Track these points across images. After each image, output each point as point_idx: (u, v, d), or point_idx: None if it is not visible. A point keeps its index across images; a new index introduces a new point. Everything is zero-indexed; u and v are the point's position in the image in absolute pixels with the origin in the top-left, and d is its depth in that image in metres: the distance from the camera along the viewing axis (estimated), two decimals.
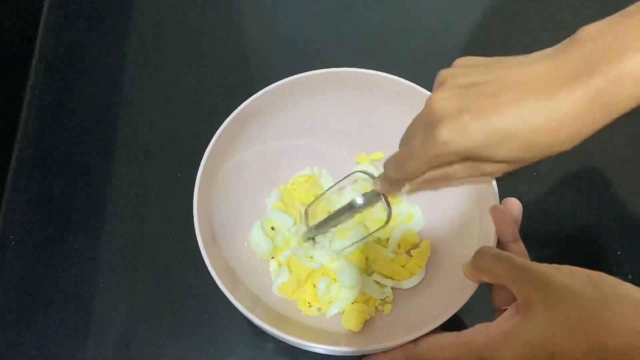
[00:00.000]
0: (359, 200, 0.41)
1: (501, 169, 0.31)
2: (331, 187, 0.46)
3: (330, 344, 0.35)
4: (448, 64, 0.33)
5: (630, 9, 0.28)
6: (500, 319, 0.32)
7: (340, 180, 0.45)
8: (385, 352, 0.37)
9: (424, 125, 0.31)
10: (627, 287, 0.30)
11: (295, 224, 0.46)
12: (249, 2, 0.61)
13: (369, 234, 0.45)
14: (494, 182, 0.39)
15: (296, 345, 0.37)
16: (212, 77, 0.57)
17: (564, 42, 0.29)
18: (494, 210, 0.38)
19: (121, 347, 0.45)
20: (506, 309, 0.33)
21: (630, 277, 0.47)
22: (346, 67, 0.43)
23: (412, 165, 0.32)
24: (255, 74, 0.57)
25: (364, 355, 0.38)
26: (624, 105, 0.27)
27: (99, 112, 0.55)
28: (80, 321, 0.46)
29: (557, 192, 0.51)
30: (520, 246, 0.37)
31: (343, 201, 0.47)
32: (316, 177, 0.49)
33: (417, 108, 0.41)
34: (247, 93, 0.42)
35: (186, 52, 0.58)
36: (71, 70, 0.57)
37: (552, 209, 0.50)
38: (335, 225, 0.45)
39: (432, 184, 0.35)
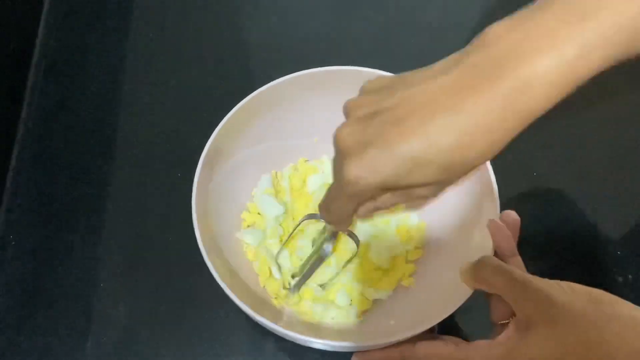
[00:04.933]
0: (328, 249, 0.41)
1: (431, 191, 0.30)
2: (287, 238, 0.45)
3: (327, 339, 0.35)
4: None
5: (540, 3, 0.25)
6: (502, 337, 0.32)
7: (293, 231, 0.45)
8: (381, 349, 0.36)
9: (337, 164, 0.29)
10: (627, 307, 0.30)
11: (285, 211, 0.46)
12: (249, 2, 0.61)
13: (345, 263, 0.45)
14: (496, 190, 0.38)
15: (291, 339, 0.36)
16: (212, 77, 0.57)
17: (470, 44, 0.27)
18: (491, 225, 0.38)
19: (121, 347, 0.45)
20: (505, 323, 0.33)
21: (630, 277, 0.47)
22: (346, 66, 0.43)
23: (337, 207, 0.31)
24: (255, 73, 0.57)
25: (356, 352, 0.38)
26: (537, 110, 0.25)
27: (99, 112, 0.55)
28: (80, 321, 0.46)
29: (557, 192, 0.51)
30: (518, 260, 0.37)
31: (309, 240, 0.46)
32: (324, 176, 0.49)
33: None
34: (247, 93, 0.42)
35: (186, 52, 0.58)
36: (71, 70, 0.57)
37: (552, 209, 0.50)
38: (312, 275, 0.44)
39: (375, 214, 0.34)
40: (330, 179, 0.47)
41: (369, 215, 0.33)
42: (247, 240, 0.45)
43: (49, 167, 0.52)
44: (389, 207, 0.32)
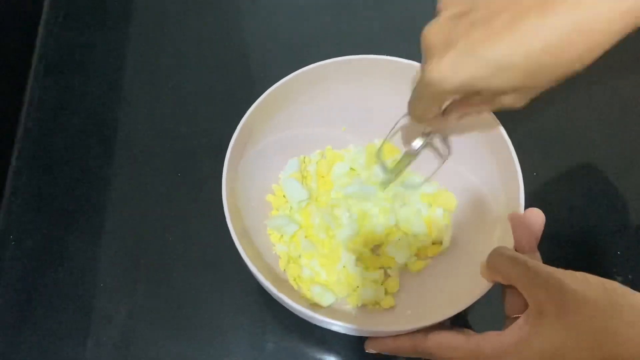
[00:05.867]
0: (417, 145, 0.41)
1: (517, 98, 0.28)
2: (387, 136, 0.45)
3: (341, 321, 0.35)
4: None
5: None
6: (513, 328, 0.31)
7: (392, 129, 0.45)
8: (393, 337, 0.36)
9: (422, 62, 0.29)
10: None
11: (309, 197, 0.46)
12: (249, 2, 0.61)
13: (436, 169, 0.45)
14: (521, 185, 0.38)
15: (307, 318, 0.37)
16: (212, 77, 0.57)
17: None
18: (512, 218, 0.37)
19: (121, 347, 0.45)
20: (518, 316, 0.32)
21: (630, 277, 0.47)
22: (373, 55, 0.44)
23: (421, 107, 0.31)
24: (255, 73, 0.57)
25: (367, 338, 0.38)
26: None
27: (99, 112, 0.55)
28: (80, 321, 0.46)
29: (557, 192, 0.51)
30: (536, 256, 0.36)
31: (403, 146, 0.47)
32: (352, 169, 0.49)
33: None
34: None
35: (186, 53, 0.58)
36: (71, 70, 0.57)
37: (552, 209, 0.50)
38: (404, 168, 0.46)
39: (464, 115, 0.33)
40: (354, 166, 0.49)
41: (459, 118, 0.33)
42: (274, 225, 0.46)
43: (49, 167, 0.52)
44: (477, 111, 0.32)
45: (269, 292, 0.37)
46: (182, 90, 0.56)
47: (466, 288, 0.38)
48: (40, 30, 0.59)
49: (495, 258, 0.34)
